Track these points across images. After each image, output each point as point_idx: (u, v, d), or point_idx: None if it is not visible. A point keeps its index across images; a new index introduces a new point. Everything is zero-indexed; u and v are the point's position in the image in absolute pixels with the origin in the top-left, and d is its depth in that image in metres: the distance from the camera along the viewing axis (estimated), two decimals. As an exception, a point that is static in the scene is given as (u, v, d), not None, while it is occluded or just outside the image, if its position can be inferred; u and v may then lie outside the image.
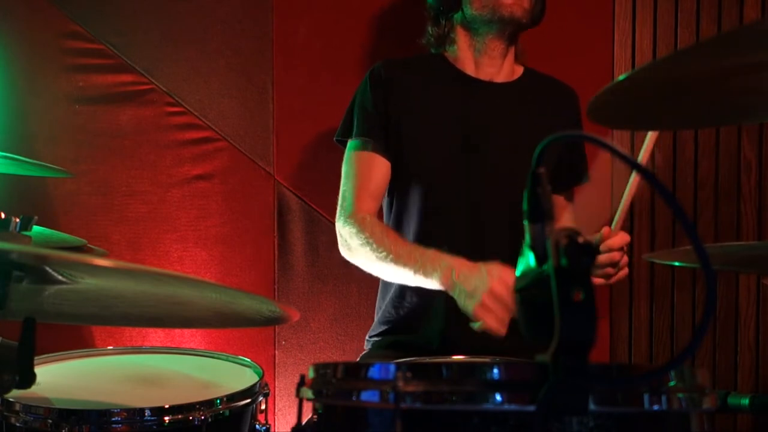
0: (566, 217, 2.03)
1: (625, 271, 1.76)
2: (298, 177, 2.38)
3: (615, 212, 1.68)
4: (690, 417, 0.86)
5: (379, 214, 1.99)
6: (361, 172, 1.92)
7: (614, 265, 1.71)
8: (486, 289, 1.57)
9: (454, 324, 1.86)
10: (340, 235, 1.90)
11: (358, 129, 1.93)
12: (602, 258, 1.68)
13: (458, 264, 1.67)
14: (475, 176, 1.90)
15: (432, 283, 1.71)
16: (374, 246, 1.80)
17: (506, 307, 1.56)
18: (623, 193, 1.64)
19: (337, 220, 1.92)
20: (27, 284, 1.07)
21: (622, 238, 1.69)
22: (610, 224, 1.68)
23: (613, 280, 1.76)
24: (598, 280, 1.73)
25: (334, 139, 2.01)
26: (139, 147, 2.34)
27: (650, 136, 1.59)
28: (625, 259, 1.74)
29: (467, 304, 1.61)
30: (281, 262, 2.38)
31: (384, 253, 1.78)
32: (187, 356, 1.74)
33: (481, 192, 1.90)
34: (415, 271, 1.73)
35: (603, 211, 1.84)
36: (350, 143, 1.95)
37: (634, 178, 1.62)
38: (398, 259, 1.76)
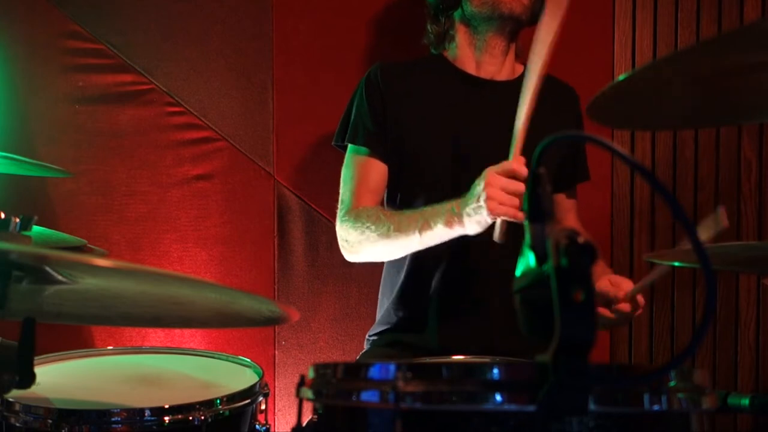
0: (572, 218, 2.02)
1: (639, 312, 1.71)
2: (298, 177, 2.38)
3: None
4: (690, 417, 0.86)
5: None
6: (359, 174, 1.92)
7: (623, 317, 1.67)
8: (484, 187, 1.58)
9: (454, 325, 1.86)
10: (339, 236, 1.90)
11: (354, 135, 1.93)
12: (609, 313, 1.65)
13: (455, 201, 1.67)
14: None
15: (440, 233, 1.70)
16: (372, 228, 1.79)
17: (512, 190, 1.57)
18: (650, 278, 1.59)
19: (336, 223, 1.92)
20: (27, 284, 1.06)
21: (635, 306, 1.66)
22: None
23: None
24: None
25: (333, 143, 2.01)
26: (139, 147, 2.34)
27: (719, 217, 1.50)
28: (639, 310, 1.69)
29: (479, 215, 1.61)
30: (281, 262, 2.38)
31: (384, 228, 1.77)
32: (187, 356, 1.74)
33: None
34: (420, 230, 1.72)
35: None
36: (349, 149, 1.96)
37: (659, 271, 1.55)
38: (399, 227, 1.75)
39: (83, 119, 2.32)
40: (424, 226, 1.70)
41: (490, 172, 1.60)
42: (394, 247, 1.80)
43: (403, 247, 1.80)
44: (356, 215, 1.85)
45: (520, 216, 1.56)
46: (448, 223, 1.67)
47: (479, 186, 1.60)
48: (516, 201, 1.56)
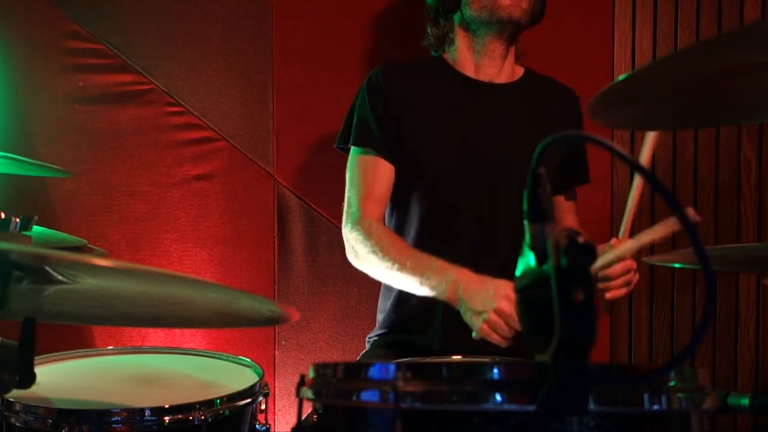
0: (571, 219, 2.02)
1: (636, 277, 1.74)
2: (298, 177, 2.38)
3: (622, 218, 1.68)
4: (690, 417, 0.86)
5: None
6: (365, 177, 1.92)
7: (628, 272, 1.71)
8: (493, 308, 1.60)
9: (455, 327, 1.86)
10: (347, 240, 1.90)
11: (359, 137, 1.93)
12: (617, 269, 1.69)
13: (464, 278, 1.69)
14: (477, 178, 1.90)
15: (437, 295, 1.73)
16: (380, 255, 1.81)
17: (512, 325, 1.59)
18: (627, 199, 1.62)
19: (343, 226, 1.92)
20: (27, 284, 1.06)
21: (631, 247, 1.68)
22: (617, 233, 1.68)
23: (632, 286, 1.75)
24: (620, 291, 1.72)
25: (335, 146, 2.01)
26: (139, 147, 2.34)
27: (651, 136, 1.58)
28: (634, 273, 1.73)
29: (472, 321, 1.65)
30: (281, 262, 2.38)
31: (389, 263, 1.79)
32: (187, 356, 1.74)
33: (483, 194, 1.90)
34: (421, 283, 1.75)
35: None
36: (353, 150, 1.95)
37: (636, 183, 1.60)
38: (403, 269, 1.77)
39: (83, 119, 2.32)
40: (425, 282, 1.74)
41: (505, 302, 1.60)
42: (392, 281, 1.85)
43: (400, 285, 1.84)
44: (367, 232, 1.85)
45: (504, 345, 1.61)
46: (449, 296, 1.71)
47: (489, 304, 1.61)
48: (508, 335, 1.60)
